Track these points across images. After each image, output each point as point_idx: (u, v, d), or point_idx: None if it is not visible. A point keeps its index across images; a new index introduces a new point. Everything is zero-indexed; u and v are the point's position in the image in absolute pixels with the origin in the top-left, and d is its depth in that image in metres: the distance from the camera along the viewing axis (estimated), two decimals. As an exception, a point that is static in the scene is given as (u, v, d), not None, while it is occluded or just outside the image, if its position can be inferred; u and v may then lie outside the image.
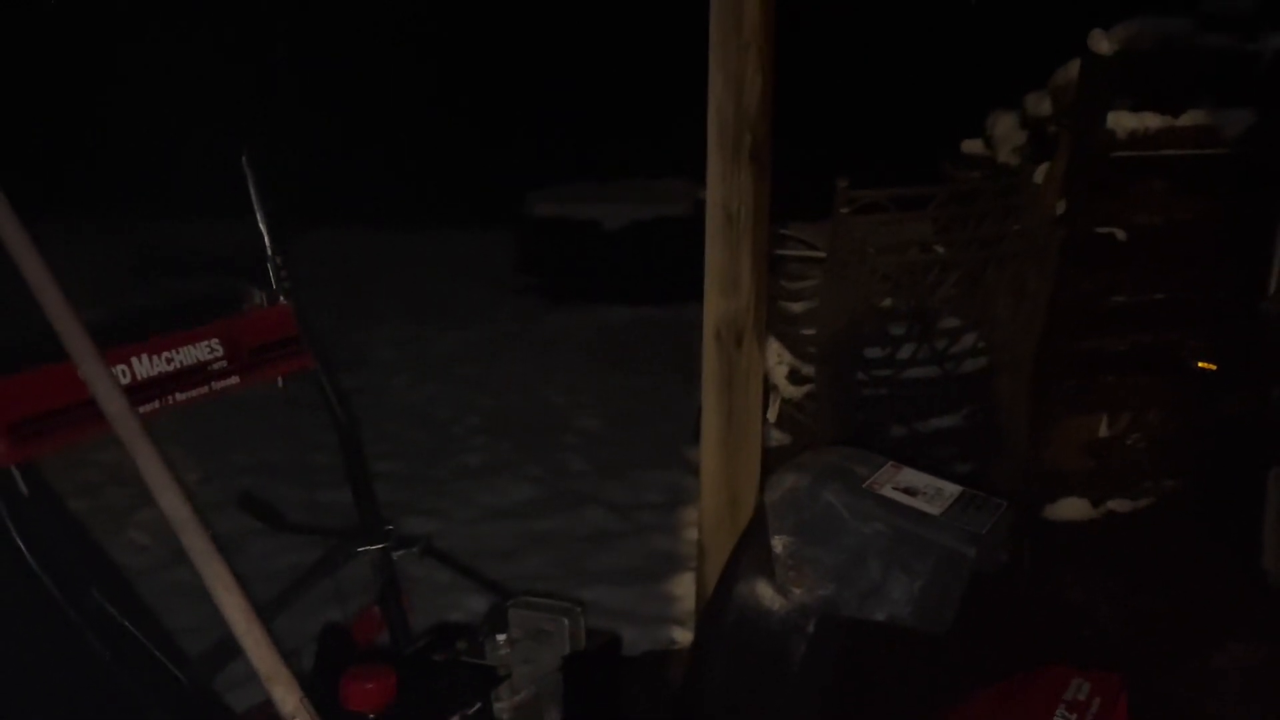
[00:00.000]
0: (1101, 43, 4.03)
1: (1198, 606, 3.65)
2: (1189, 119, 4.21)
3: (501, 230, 8.21)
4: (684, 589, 3.71)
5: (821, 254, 3.84)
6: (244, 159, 2.17)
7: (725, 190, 2.93)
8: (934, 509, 1.84)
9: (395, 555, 2.39)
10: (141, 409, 1.91)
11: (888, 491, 1.87)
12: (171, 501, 1.74)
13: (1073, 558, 4.01)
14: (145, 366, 2.00)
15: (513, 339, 7.03)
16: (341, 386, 2.46)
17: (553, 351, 6.78)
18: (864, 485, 1.88)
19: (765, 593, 1.90)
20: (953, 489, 1.90)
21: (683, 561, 3.90)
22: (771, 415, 4.06)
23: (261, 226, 2.22)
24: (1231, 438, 4.15)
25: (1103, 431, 4.36)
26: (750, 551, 1.94)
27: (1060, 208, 4.03)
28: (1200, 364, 4.24)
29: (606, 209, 7.71)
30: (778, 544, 1.88)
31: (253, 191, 2.20)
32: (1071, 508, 4.30)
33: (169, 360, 2.03)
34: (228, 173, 2.23)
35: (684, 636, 3.49)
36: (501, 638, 2.15)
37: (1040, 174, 4.05)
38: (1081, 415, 4.33)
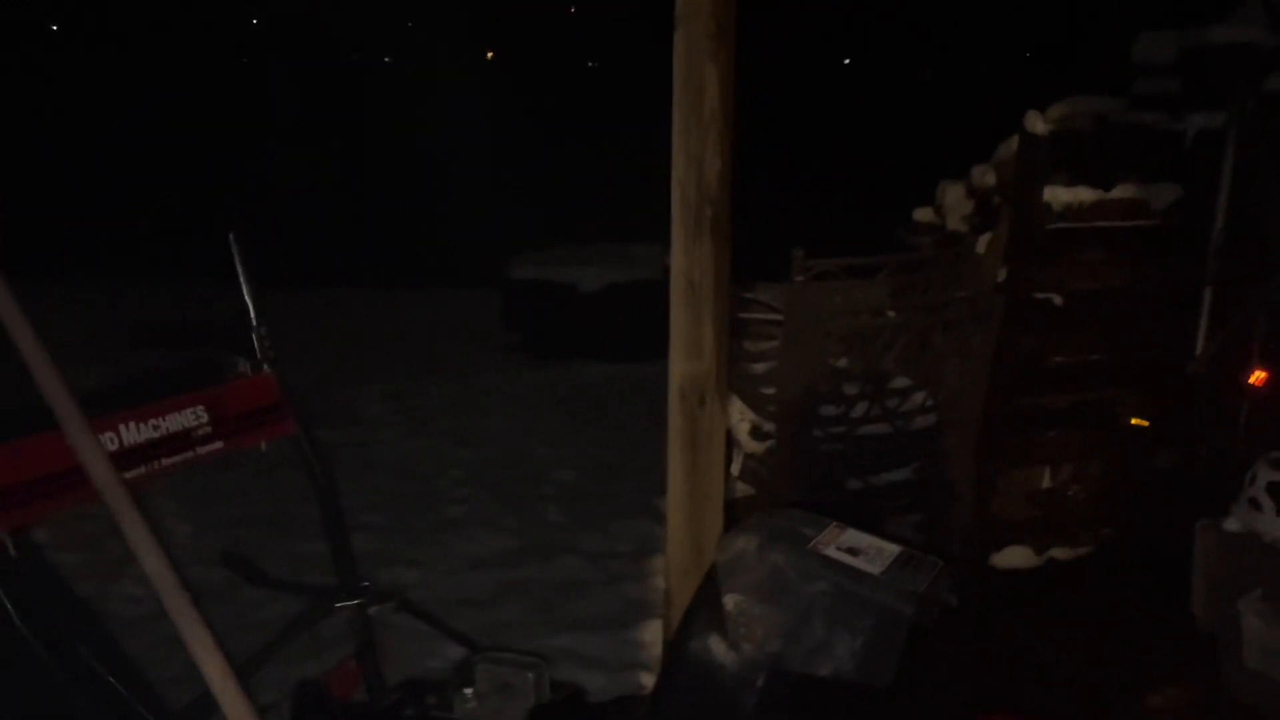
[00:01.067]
0: (1037, 123, 4.10)
1: (1133, 650, 3.66)
2: (1120, 193, 4.28)
3: (491, 290, 8.23)
4: (652, 635, 3.69)
5: (781, 317, 3.86)
6: (230, 237, 2.18)
7: (687, 261, 2.94)
8: (874, 568, 1.85)
9: (371, 610, 2.37)
10: (129, 474, 1.91)
11: (831, 552, 1.88)
12: (155, 566, 1.74)
13: (1017, 604, 4.01)
14: (133, 434, 2.00)
15: (496, 394, 7.01)
16: (326, 445, 2.47)
17: (533, 406, 6.76)
18: (809, 546, 1.88)
19: (718, 648, 1.90)
20: (892, 549, 1.91)
21: (651, 608, 3.89)
22: (735, 469, 4.07)
23: (247, 299, 2.24)
24: (1163, 490, 4.19)
25: (1045, 483, 4.38)
26: (704, 609, 1.93)
27: (1002, 275, 4.08)
28: (1134, 420, 4.28)
29: (584, 271, 7.75)
30: (729, 602, 1.88)
31: (239, 267, 2.21)
32: (1016, 555, 4.31)
33: (155, 427, 2.04)
34: (220, 241, 2.25)
35: (651, 681, 3.46)
36: (469, 691, 2.14)
37: (982, 244, 4.10)
38: (1025, 468, 4.35)
